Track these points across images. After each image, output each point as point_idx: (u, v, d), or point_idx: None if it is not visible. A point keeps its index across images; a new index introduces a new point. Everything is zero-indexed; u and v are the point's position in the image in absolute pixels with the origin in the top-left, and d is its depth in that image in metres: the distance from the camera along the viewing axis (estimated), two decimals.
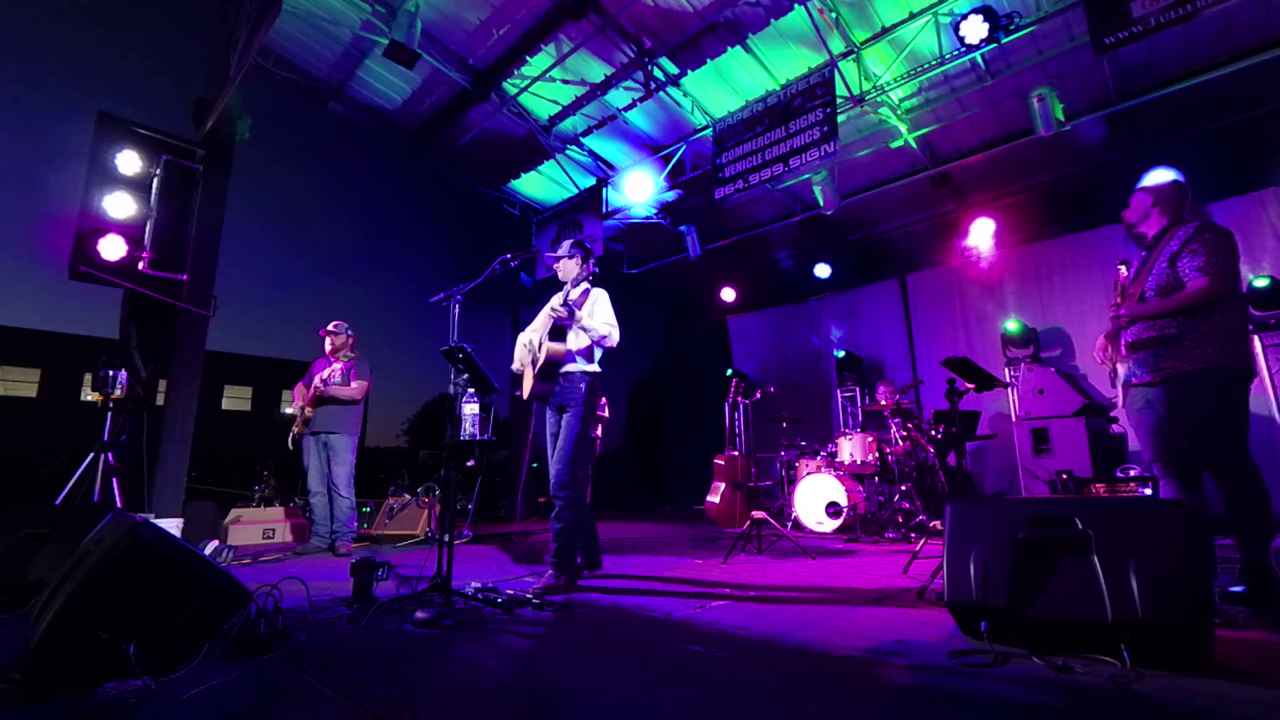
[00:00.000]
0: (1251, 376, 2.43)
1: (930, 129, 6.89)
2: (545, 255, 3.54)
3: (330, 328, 4.97)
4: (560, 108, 7.14)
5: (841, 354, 8.40)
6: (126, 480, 4.41)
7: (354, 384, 4.81)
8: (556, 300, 3.23)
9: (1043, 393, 5.54)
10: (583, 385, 3.18)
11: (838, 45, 5.73)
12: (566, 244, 3.44)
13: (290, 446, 4.86)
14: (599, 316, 3.26)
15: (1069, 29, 5.34)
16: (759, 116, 6.21)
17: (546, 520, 7.76)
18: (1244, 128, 6.24)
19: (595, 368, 3.29)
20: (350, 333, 5.03)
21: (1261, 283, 5.39)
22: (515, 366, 3.40)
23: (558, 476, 3.09)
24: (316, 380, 4.76)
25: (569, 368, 3.18)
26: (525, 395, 3.31)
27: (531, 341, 3.29)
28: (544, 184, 8.60)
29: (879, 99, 6.02)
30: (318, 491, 4.73)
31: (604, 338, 3.22)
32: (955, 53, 5.26)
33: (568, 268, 3.37)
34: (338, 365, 4.82)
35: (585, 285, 3.41)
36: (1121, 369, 2.64)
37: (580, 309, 3.19)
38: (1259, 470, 2.33)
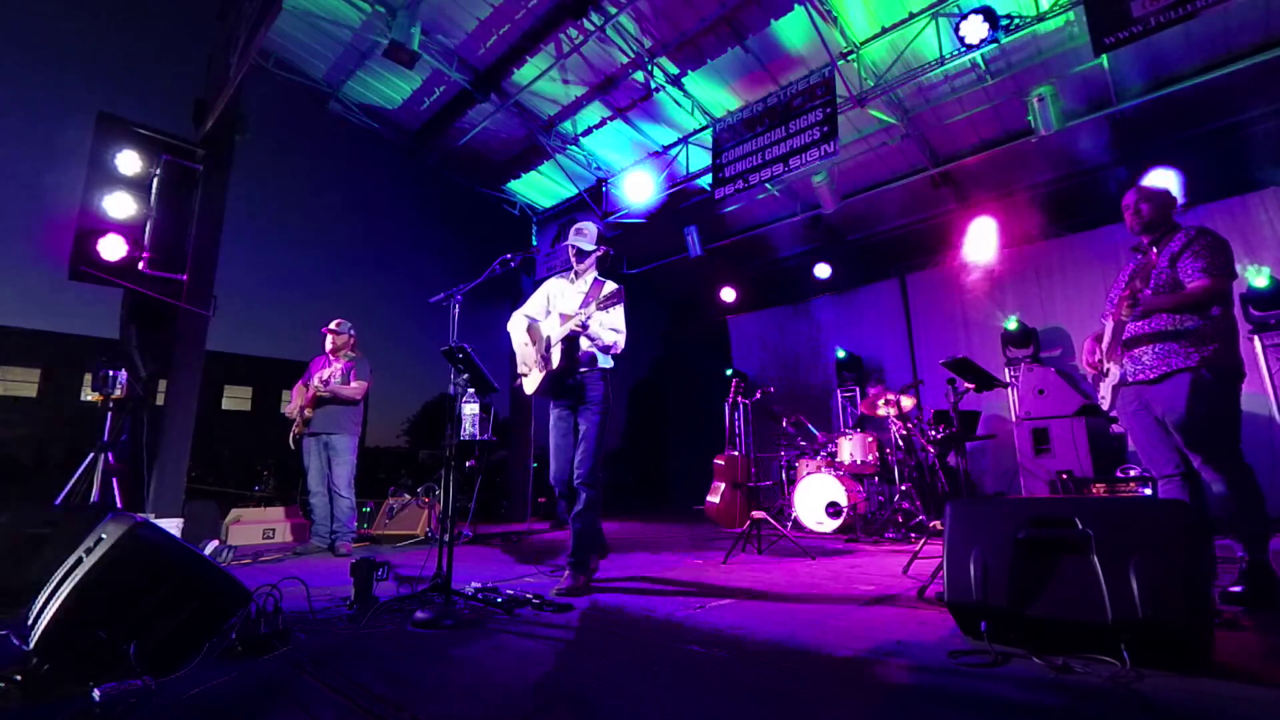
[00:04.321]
0: (1243, 377, 2.46)
1: (930, 129, 6.90)
2: (560, 245, 3.48)
3: (333, 326, 4.95)
4: (560, 108, 7.14)
5: (842, 354, 8.40)
6: (126, 480, 4.40)
7: (354, 384, 4.80)
8: (569, 299, 3.22)
9: (1043, 393, 5.55)
10: (601, 383, 3.14)
11: (838, 45, 5.73)
12: (578, 231, 3.30)
13: (291, 446, 4.86)
14: (608, 322, 3.15)
15: (1069, 29, 5.34)
16: (759, 116, 6.21)
17: (546, 520, 7.69)
18: (1244, 128, 6.24)
19: (610, 364, 3.22)
20: (352, 332, 5.02)
21: (1262, 283, 5.40)
22: (521, 368, 3.28)
23: (582, 477, 3.03)
24: (316, 381, 4.75)
25: (583, 367, 3.13)
26: (532, 393, 3.24)
27: (543, 337, 3.17)
28: (544, 184, 8.60)
29: (879, 99, 6.02)
30: (317, 491, 4.73)
31: (610, 346, 3.13)
32: (955, 53, 5.25)
33: (585, 243, 3.27)
34: (338, 365, 4.81)
35: (594, 275, 3.30)
36: (1116, 369, 2.64)
37: (594, 302, 3.10)
38: (1252, 469, 2.35)
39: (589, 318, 2.99)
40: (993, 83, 6.12)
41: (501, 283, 3.14)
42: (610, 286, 3.20)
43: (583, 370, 3.12)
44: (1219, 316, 2.45)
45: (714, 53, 6.18)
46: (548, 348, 3.10)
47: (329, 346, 4.93)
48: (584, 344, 3.10)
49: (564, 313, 3.17)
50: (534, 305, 3.35)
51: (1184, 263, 2.48)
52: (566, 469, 3.11)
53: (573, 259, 3.31)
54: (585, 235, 3.28)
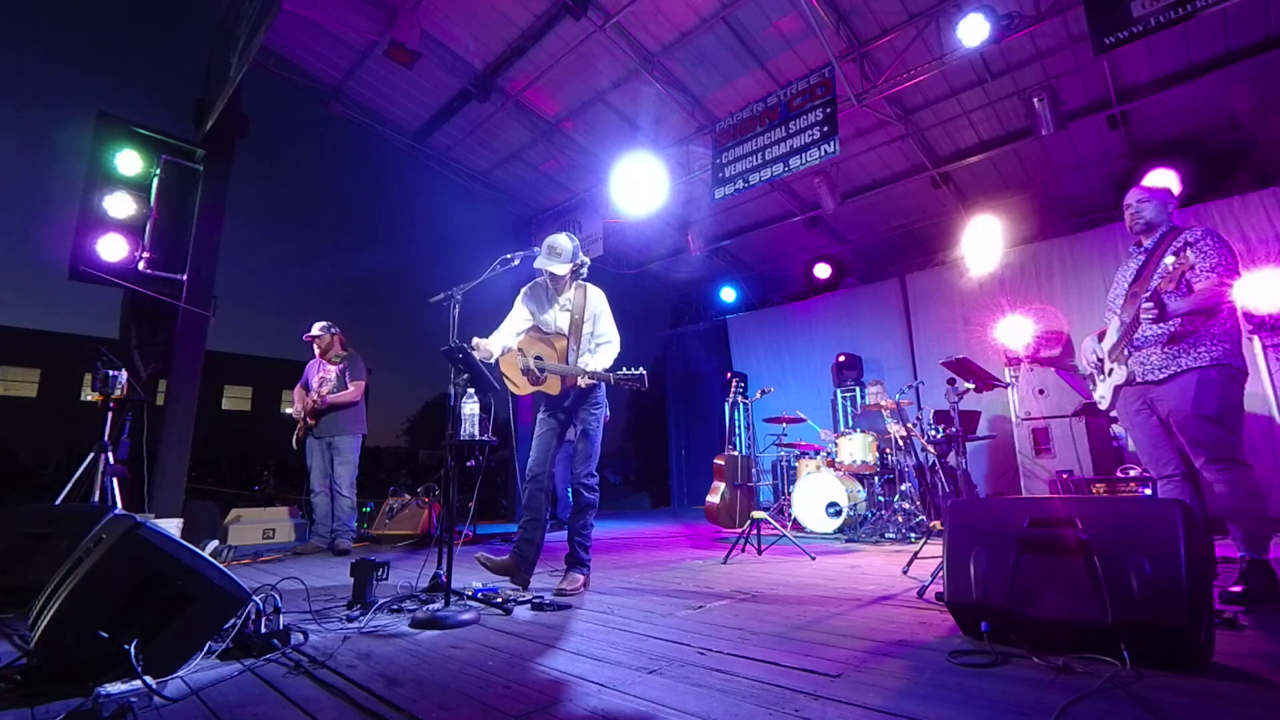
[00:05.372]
0: (1246, 376, 2.46)
1: (930, 129, 6.90)
2: (526, 257, 3.05)
3: (314, 331, 4.91)
4: (560, 107, 7.14)
5: (842, 354, 8.39)
6: (126, 480, 4.40)
7: (350, 386, 4.79)
8: (555, 313, 3.12)
9: (1043, 393, 5.54)
10: (600, 389, 3.12)
11: (838, 45, 5.73)
12: (550, 252, 3.05)
13: (295, 446, 4.87)
14: (600, 336, 3.12)
15: (1069, 29, 5.34)
16: (759, 116, 6.21)
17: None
18: (1244, 127, 6.24)
19: None
20: (335, 331, 4.97)
21: (1262, 284, 5.40)
22: (512, 380, 3.16)
23: (583, 477, 3.03)
24: (314, 392, 4.76)
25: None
26: (522, 394, 3.19)
27: (529, 357, 3.05)
28: (544, 183, 8.60)
29: (879, 98, 6.02)
30: (320, 491, 4.74)
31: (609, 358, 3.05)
32: (955, 53, 5.25)
33: (558, 266, 3.04)
34: (332, 369, 4.81)
35: (576, 284, 3.17)
36: (1120, 368, 2.64)
37: (581, 313, 3.08)
38: (1253, 469, 2.35)
39: (591, 371, 2.92)
40: (993, 82, 6.13)
41: (501, 282, 3.11)
42: (596, 297, 3.17)
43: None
44: (1226, 317, 2.46)
45: (714, 52, 6.18)
46: (541, 370, 3.03)
47: (317, 352, 4.93)
48: (581, 361, 3.08)
49: (556, 330, 3.12)
50: (516, 321, 3.19)
51: (1194, 266, 2.47)
52: (546, 461, 3.05)
53: (549, 281, 3.16)
54: (558, 255, 3.05)
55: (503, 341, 3.11)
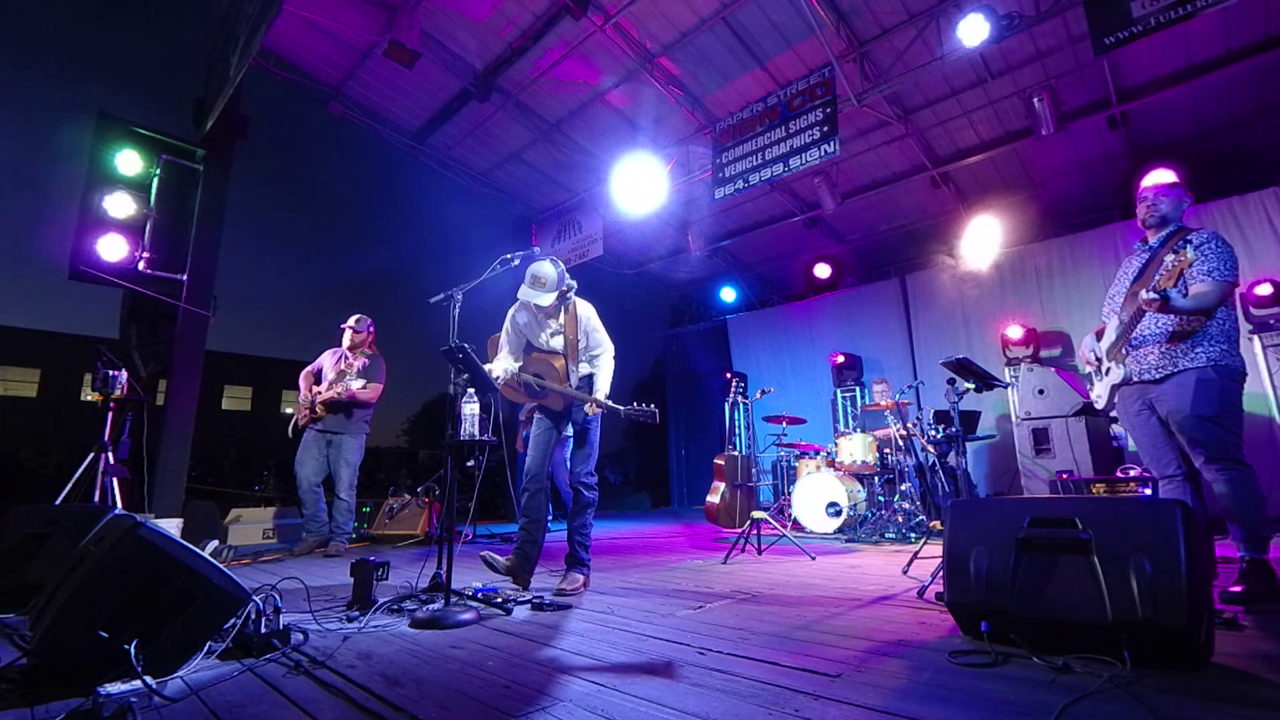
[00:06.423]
0: (1245, 377, 2.46)
1: (930, 129, 6.90)
2: (526, 258, 3.02)
3: (351, 323, 4.84)
4: (560, 107, 7.14)
5: (841, 354, 8.39)
6: (126, 480, 4.40)
7: (369, 387, 4.75)
8: (549, 334, 3.14)
9: (1043, 393, 5.54)
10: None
11: (838, 45, 5.73)
12: (535, 282, 2.97)
13: (290, 435, 4.80)
14: (594, 348, 3.17)
15: (1069, 29, 5.34)
16: (759, 116, 6.21)
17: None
18: (1244, 127, 6.25)
19: None
20: (371, 329, 4.91)
21: (1262, 284, 5.40)
22: (513, 388, 3.16)
23: (583, 476, 3.05)
24: (327, 383, 4.69)
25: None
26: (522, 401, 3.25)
27: (525, 378, 3.08)
28: (544, 183, 8.60)
29: (879, 98, 6.02)
30: (312, 486, 4.64)
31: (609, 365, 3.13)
32: (955, 53, 5.25)
33: (543, 298, 2.96)
34: (355, 364, 4.72)
35: (566, 304, 3.14)
36: (1117, 368, 2.64)
37: (573, 333, 3.10)
38: (1252, 469, 2.35)
39: (599, 400, 2.96)
40: (992, 82, 6.13)
41: (501, 282, 3.10)
42: (585, 311, 3.16)
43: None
44: (1224, 318, 2.46)
45: (714, 52, 6.18)
46: (542, 388, 3.04)
47: (346, 344, 4.84)
48: (583, 371, 3.15)
49: (551, 349, 3.13)
50: (512, 344, 3.20)
51: (1194, 264, 2.48)
52: (544, 462, 3.03)
53: (536, 311, 3.12)
54: (542, 285, 2.95)
55: (507, 366, 3.13)
